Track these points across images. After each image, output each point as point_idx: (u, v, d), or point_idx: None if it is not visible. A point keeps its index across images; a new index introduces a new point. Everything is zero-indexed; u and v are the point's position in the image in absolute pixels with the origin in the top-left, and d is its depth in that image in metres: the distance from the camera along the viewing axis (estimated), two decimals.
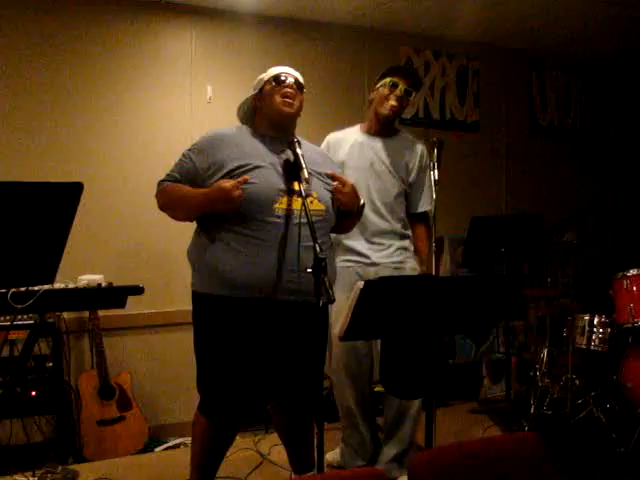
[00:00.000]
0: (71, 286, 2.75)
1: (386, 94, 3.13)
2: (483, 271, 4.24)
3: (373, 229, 3.15)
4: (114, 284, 2.93)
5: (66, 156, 3.90)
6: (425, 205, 3.26)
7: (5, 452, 3.57)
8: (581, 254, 4.30)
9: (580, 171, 5.62)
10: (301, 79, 2.65)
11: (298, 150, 2.45)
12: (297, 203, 2.41)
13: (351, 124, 3.36)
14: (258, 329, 2.44)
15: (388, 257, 3.16)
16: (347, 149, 3.20)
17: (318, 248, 2.13)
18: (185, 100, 4.22)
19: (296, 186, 2.41)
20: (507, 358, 4.18)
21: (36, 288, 2.40)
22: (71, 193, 2.00)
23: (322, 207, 2.51)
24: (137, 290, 2.79)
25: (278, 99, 2.56)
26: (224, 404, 2.52)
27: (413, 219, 3.29)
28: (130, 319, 3.96)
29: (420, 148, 3.26)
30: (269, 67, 2.72)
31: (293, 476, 2.86)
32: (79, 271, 3.13)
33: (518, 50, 5.34)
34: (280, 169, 2.47)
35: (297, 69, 2.71)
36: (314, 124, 4.37)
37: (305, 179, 2.36)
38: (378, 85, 3.18)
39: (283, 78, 2.59)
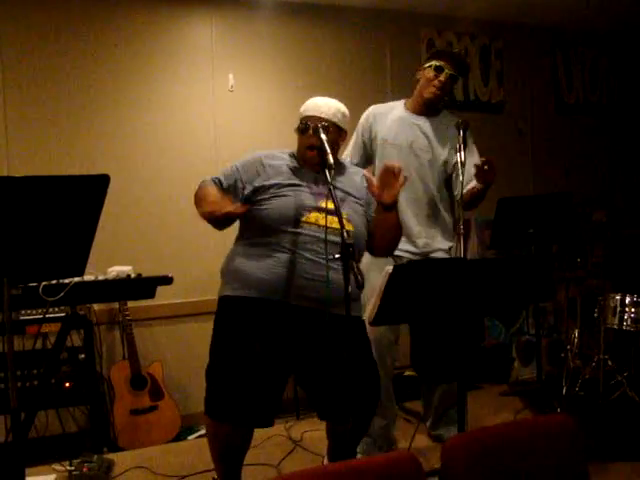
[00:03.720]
0: (101, 278, 2.77)
1: (431, 77, 3.12)
2: (512, 253, 4.19)
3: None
4: (143, 275, 2.94)
5: (90, 150, 3.93)
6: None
7: (42, 442, 3.63)
8: (611, 233, 4.24)
9: (608, 149, 5.52)
10: (334, 118, 2.61)
11: (322, 136, 2.47)
12: (324, 220, 2.48)
13: (374, 103, 3.34)
14: (269, 330, 2.50)
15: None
16: (388, 123, 3.19)
17: (346, 234, 2.14)
18: (207, 89, 4.22)
19: (324, 204, 2.49)
20: (537, 340, 4.13)
21: (66, 281, 2.43)
22: (98, 185, 2.01)
23: (351, 228, 2.52)
24: (166, 280, 2.81)
25: (302, 148, 2.64)
26: (233, 405, 2.50)
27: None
28: (160, 309, 3.99)
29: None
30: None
31: (326, 462, 2.87)
32: (108, 263, 3.15)
33: (541, 27, 5.24)
34: (314, 192, 2.56)
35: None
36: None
37: (329, 165, 2.36)
38: (425, 65, 3.17)
39: (307, 127, 2.60)
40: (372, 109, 3.28)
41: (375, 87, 4.65)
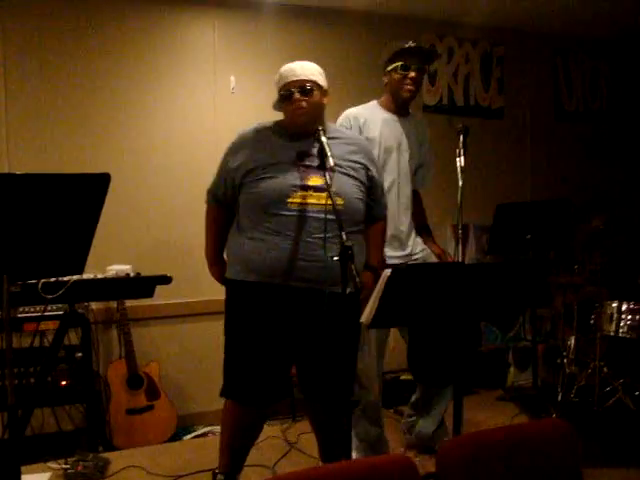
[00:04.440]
0: (100, 276, 2.78)
1: (400, 78, 3.11)
2: (509, 258, 4.20)
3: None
4: (142, 274, 2.95)
5: (92, 149, 3.94)
6: (428, 183, 3.38)
7: (37, 440, 3.63)
8: (609, 240, 4.25)
9: (607, 156, 5.53)
10: (312, 77, 2.62)
11: (323, 138, 2.47)
12: (311, 198, 2.51)
13: None
14: (270, 312, 2.57)
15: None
16: (378, 125, 3.15)
17: (344, 236, 2.15)
18: (209, 91, 4.23)
19: (311, 181, 2.51)
20: (534, 345, 4.15)
21: (66, 279, 2.44)
22: (99, 184, 2.02)
23: (340, 201, 2.52)
24: (165, 280, 2.83)
25: (291, 113, 2.62)
26: (243, 383, 2.63)
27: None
28: (158, 309, 4.00)
29: (426, 127, 3.35)
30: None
31: (321, 464, 2.88)
32: (108, 262, 3.16)
33: (542, 34, 5.26)
34: (300, 168, 2.55)
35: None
36: (335, 111, 4.36)
37: (330, 167, 2.38)
38: (389, 69, 3.16)
39: (291, 92, 2.58)
40: (354, 112, 3.20)
41: (375, 92, 4.66)
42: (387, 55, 3.16)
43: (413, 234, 3.23)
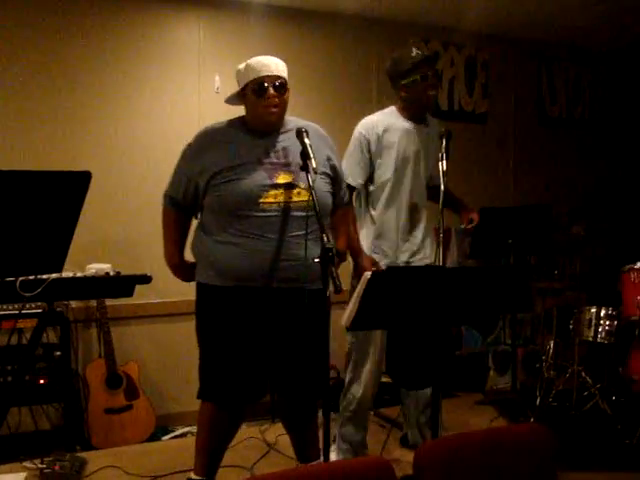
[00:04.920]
0: (79, 275, 2.76)
1: (422, 88, 3.10)
2: (490, 262, 4.23)
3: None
4: (122, 274, 2.94)
5: (73, 146, 3.91)
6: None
7: (14, 439, 3.59)
8: (589, 246, 4.29)
9: (589, 163, 5.58)
10: (284, 74, 2.59)
11: (306, 140, 2.45)
12: (282, 196, 2.50)
13: (359, 114, 3.33)
14: (250, 315, 2.55)
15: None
16: (398, 136, 3.13)
17: (325, 238, 2.16)
18: (193, 90, 4.21)
19: (280, 179, 2.50)
20: (513, 350, 4.18)
21: (44, 277, 2.42)
22: (79, 182, 2.01)
23: (309, 197, 2.46)
24: (145, 279, 2.81)
25: (261, 110, 2.56)
26: (220, 386, 2.62)
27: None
28: (138, 308, 3.98)
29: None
30: (277, 57, 2.69)
31: (299, 465, 2.88)
32: (87, 260, 3.14)
33: (527, 41, 5.30)
34: (267, 167, 2.52)
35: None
36: (322, 114, 4.37)
37: (313, 169, 2.37)
38: (405, 82, 3.10)
39: (265, 88, 2.53)
40: (374, 121, 3.18)
41: (361, 94, 4.68)
42: (398, 70, 3.13)
43: (428, 245, 3.25)
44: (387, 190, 3.12)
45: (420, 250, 3.20)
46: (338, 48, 4.61)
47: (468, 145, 4.96)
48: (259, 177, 2.50)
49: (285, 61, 2.68)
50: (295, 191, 2.48)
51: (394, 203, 3.13)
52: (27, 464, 3.27)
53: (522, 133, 5.37)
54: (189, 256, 2.77)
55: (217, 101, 4.28)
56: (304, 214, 2.48)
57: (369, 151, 3.13)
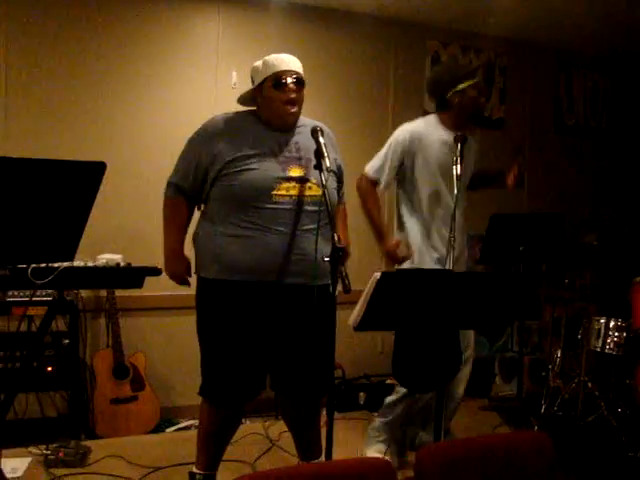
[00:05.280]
0: (90, 264, 2.78)
1: (475, 95, 3.18)
2: (501, 269, 4.21)
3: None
4: (133, 265, 2.95)
5: (89, 138, 3.94)
6: None
7: (20, 425, 3.63)
8: (600, 257, 4.26)
9: (604, 172, 5.55)
10: (301, 71, 2.60)
11: (321, 139, 2.45)
12: (294, 189, 2.49)
13: (375, 115, 3.35)
14: (256, 311, 2.53)
15: None
16: (436, 149, 3.15)
17: (336, 237, 2.16)
18: (210, 85, 4.23)
19: (293, 172, 2.49)
20: (520, 357, 4.16)
21: (56, 265, 2.44)
22: (94, 172, 2.02)
23: (319, 192, 2.48)
24: (154, 271, 2.83)
25: (280, 105, 2.55)
26: (222, 385, 2.61)
27: None
28: (146, 300, 4.00)
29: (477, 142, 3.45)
30: (294, 55, 2.70)
31: (301, 463, 2.88)
32: (99, 250, 3.16)
33: (546, 47, 5.28)
34: (281, 159, 2.52)
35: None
36: (337, 115, 4.38)
37: (326, 168, 2.37)
38: (460, 89, 3.14)
39: (283, 81, 2.53)
40: (412, 129, 3.18)
41: (377, 95, 4.68)
42: (451, 77, 3.18)
43: (464, 258, 3.35)
44: (427, 198, 3.18)
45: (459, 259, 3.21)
46: (355, 47, 4.61)
47: (483, 150, 4.93)
48: (273, 169, 2.50)
49: (301, 58, 2.69)
50: (307, 185, 2.49)
51: (435, 211, 3.18)
52: (32, 450, 3.32)
53: (538, 140, 5.34)
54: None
55: (234, 96, 4.26)
56: (316, 209, 2.48)
57: (400, 157, 3.17)
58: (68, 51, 3.89)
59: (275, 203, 2.47)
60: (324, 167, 2.38)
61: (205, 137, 2.61)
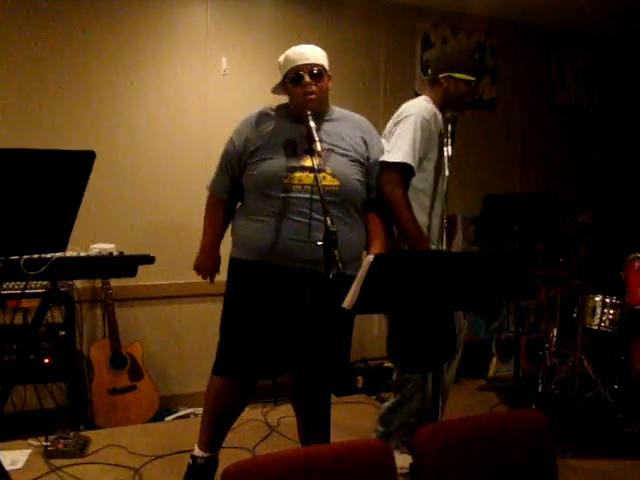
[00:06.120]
0: (83, 254, 2.77)
1: (467, 91, 3.05)
2: (495, 249, 4.22)
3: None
4: (126, 254, 2.95)
5: (80, 127, 3.91)
6: None
7: (19, 417, 3.64)
8: (594, 235, 4.27)
9: (596, 151, 5.55)
10: (321, 61, 2.63)
11: (311, 123, 2.47)
12: (308, 179, 2.53)
13: (366, 99, 3.32)
14: (270, 292, 2.61)
15: None
16: (440, 126, 3.02)
17: (329, 221, 2.16)
18: (200, 72, 4.20)
19: (307, 162, 2.51)
20: (517, 337, 4.18)
21: (48, 256, 2.43)
22: (83, 161, 2.00)
23: (336, 182, 2.55)
24: (148, 259, 2.81)
25: (300, 97, 2.62)
26: (237, 357, 2.67)
27: None
28: (142, 290, 4.00)
29: None
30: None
31: (301, 447, 2.89)
32: (92, 240, 3.15)
33: (537, 27, 5.26)
34: (299, 150, 2.56)
35: (311, 42, 2.70)
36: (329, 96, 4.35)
37: (317, 152, 2.38)
38: (457, 77, 3.02)
39: (300, 76, 2.59)
40: (429, 109, 2.99)
41: (368, 78, 4.66)
42: (454, 61, 3.04)
43: None
44: (433, 181, 3.01)
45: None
46: (345, 31, 4.58)
47: (475, 131, 4.94)
48: (286, 159, 2.56)
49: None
50: (321, 175, 2.45)
51: (439, 194, 3.04)
52: (32, 441, 3.32)
53: (530, 120, 5.34)
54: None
55: (224, 83, 4.28)
56: (332, 199, 2.52)
57: (429, 140, 2.96)
58: (55, 39, 3.85)
59: (287, 192, 2.54)
60: (315, 152, 2.39)
61: (237, 132, 2.74)
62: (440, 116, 3.04)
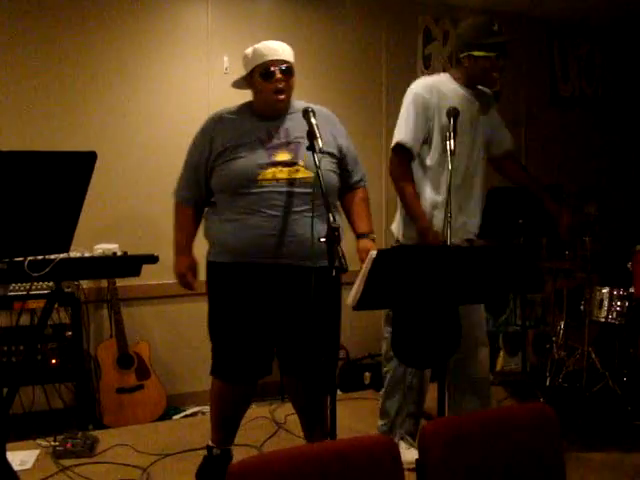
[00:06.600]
0: (87, 255, 2.78)
1: (489, 66, 3.00)
2: (500, 242, 4.20)
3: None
4: (130, 254, 2.96)
5: (81, 127, 3.91)
6: (511, 142, 3.39)
7: (27, 418, 3.65)
8: (600, 226, 4.25)
9: (601, 142, 5.51)
10: (290, 58, 2.62)
11: (312, 120, 2.47)
12: (282, 173, 2.54)
13: (368, 93, 3.30)
14: (251, 291, 2.61)
15: None
16: (452, 97, 2.98)
17: (332, 217, 2.16)
18: (202, 71, 4.19)
19: (280, 157, 2.54)
20: (524, 331, 4.17)
21: (52, 257, 2.43)
22: (85, 162, 2.01)
23: (310, 174, 2.54)
24: (151, 259, 2.82)
25: (270, 95, 2.60)
26: (225, 361, 2.69)
27: None
28: (148, 289, 4.00)
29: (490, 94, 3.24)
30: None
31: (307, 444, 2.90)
32: (95, 241, 3.16)
33: (539, 18, 5.22)
34: (268, 146, 2.57)
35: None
36: (330, 95, 4.34)
37: (319, 148, 2.38)
38: (477, 55, 2.98)
39: (272, 71, 2.57)
40: (429, 84, 3.01)
41: (370, 74, 4.64)
42: (477, 37, 2.99)
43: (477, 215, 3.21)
44: (442, 158, 2.95)
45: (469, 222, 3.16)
46: (346, 27, 4.56)
47: None
48: (257, 156, 2.56)
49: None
50: (294, 168, 2.53)
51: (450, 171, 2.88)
52: (40, 442, 3.33)
53: (534, 111, 5.31)
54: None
55: (226, 82, 4.22)
56: (308, 190, 2.52)
57: (425, 113, 2.96)
58: (55, 41, 3.85)
59: (260, 187, 2.53)
60: (317, 148, 2.38)
61: (200, 136, 2.74)
62: (453, 86, 3.03)
